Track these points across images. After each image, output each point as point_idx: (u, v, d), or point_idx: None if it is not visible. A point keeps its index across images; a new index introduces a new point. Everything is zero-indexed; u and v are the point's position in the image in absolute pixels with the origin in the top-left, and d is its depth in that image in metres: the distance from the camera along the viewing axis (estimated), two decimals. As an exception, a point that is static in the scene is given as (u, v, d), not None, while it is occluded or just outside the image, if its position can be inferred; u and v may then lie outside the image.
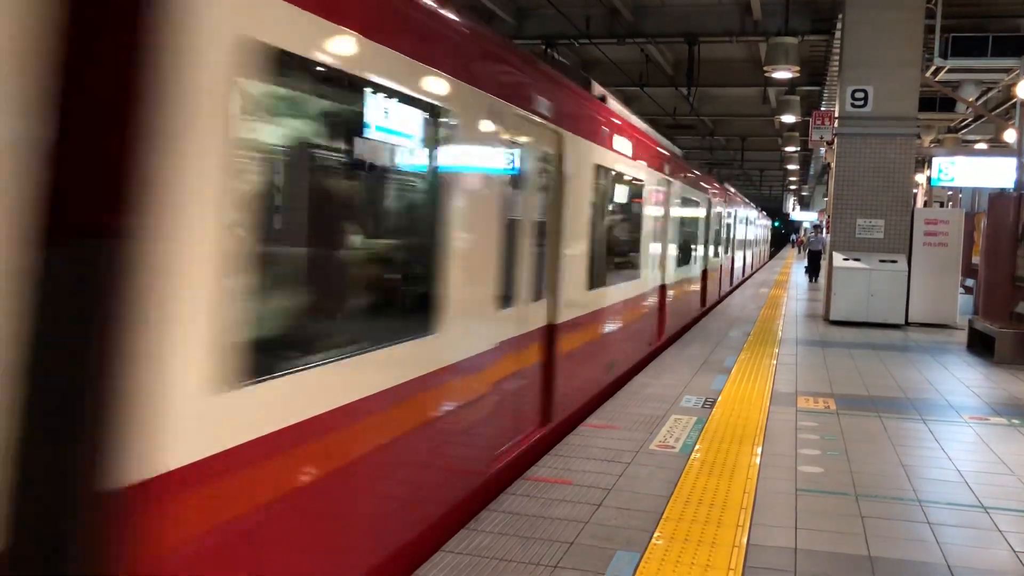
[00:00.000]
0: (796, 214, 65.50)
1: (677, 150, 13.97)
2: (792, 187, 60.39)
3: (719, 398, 7.78)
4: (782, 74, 16.59)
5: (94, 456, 2.21)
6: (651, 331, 10.78)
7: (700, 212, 15.22)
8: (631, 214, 9.54)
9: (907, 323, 14.67)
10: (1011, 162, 15.15)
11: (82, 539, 2.21)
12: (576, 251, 6.80)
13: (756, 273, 31.32)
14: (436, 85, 4.05)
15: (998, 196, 13.67)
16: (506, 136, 5.07)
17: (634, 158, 9.06)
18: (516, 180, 5.41)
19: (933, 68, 15.96)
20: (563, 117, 6.24)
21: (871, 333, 13.61)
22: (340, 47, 3.19)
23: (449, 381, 4.36)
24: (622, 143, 8.47)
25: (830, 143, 17.02)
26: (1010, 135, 17.54)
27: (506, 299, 5.20)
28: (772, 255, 54.92)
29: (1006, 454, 6.29)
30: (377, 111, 3.65)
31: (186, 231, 2.38)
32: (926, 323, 14.78)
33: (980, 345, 11.65)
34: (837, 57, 16.22)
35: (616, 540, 4.24)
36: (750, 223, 30.47)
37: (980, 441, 6.70)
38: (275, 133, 2.96)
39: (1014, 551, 4.35)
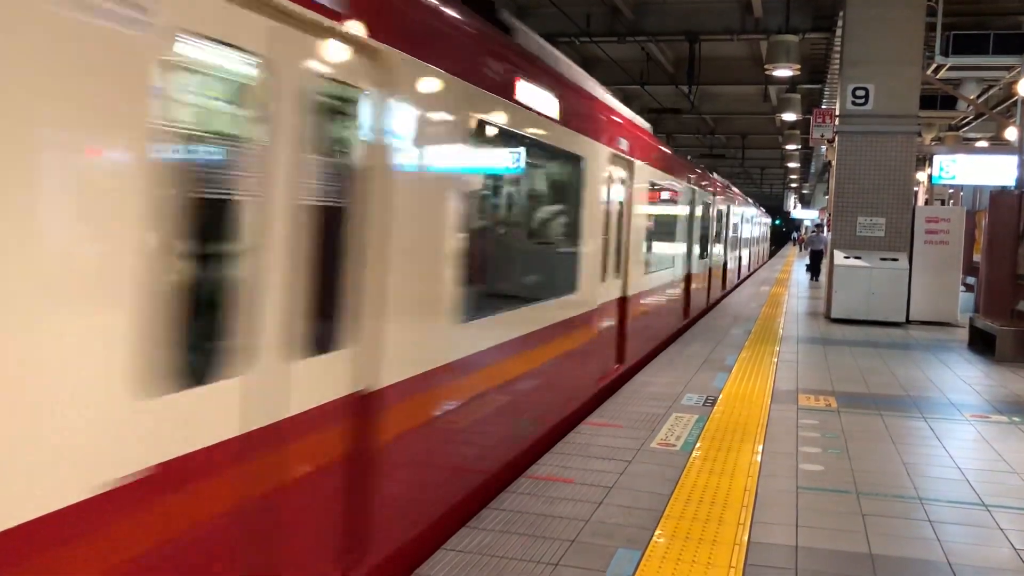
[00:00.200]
0: (797, 212, 65.53)
1: (643, 123, 10.16)
2: (793, 185, 60.45)
3: (720, 396, 7.78)
4: (783, 72, 16.62)
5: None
6: (608, 357, 8.31)
7: (678, 206, 12.25)
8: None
9: (908, 321, 14.67)
10: (1012, 160, 15.15)
11: None
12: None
13: (756, 273, 31.14)
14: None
15: (999, 194, 13.65)
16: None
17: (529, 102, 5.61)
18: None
19: (934, 66, 15.96)
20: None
21: (872, 331, 13.61)
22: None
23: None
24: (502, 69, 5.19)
25: (831, 141, 17.02)
26: (1011, 133, 17.52)
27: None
28: (773, 253, 54.62)
29: (1007, 452, 6.29)
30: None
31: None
32: (927, 321, 14.78)
33: (981, 343, 11.65)
34: (838, 55, 16.22)
35: (617, 538, 4.24)
36: (746, 220, 26.66)
37: (981, 439, 6.71)
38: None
39: (1015, 548, 4.36)
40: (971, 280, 16.97)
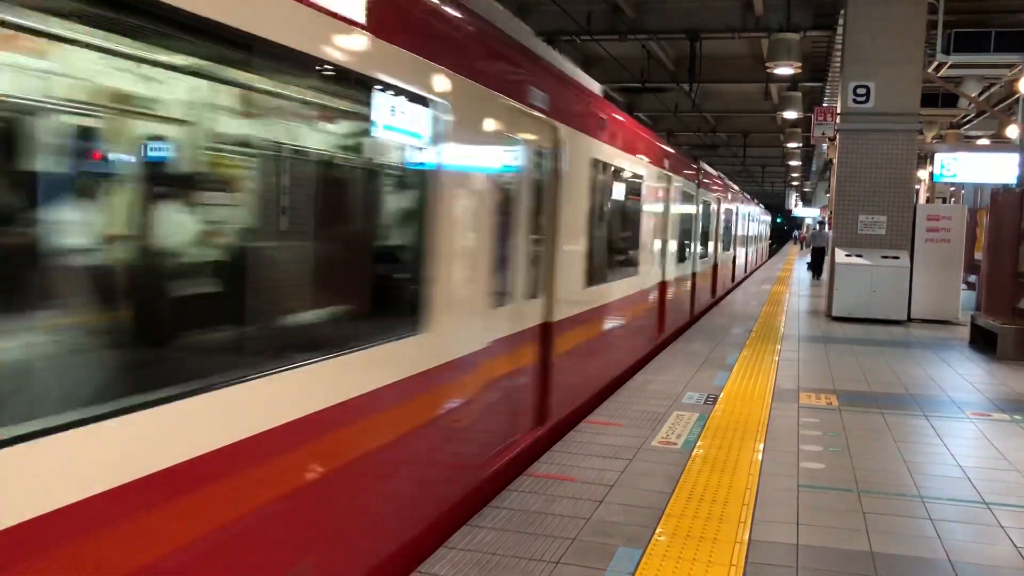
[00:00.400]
0: (798, 210, 65.48)
1: (593, 84, 8.17)
2: (794, 183, 60.39)
3: (721, 394, 7.78)
4: (784, 70, 16.59)
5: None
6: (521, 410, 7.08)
7: (646, 197, 9.94)
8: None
9: (909, 319, 14.66)
10: (1013, 158, 15.14)
11: None
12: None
13: (755, 273, 30.94)
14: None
15: (1000, 192, 13.64)
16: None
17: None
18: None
19: (935, 64, 15.92)
20: None
21: (873, 329, 13.60)
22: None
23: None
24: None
25: (832, 139, 17.01)
26: (1012, 131, 17.49)
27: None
28: (774, 252, 54.34)
29: (1008, 450, 6.29)
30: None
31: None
32: (928, 319, 14.77)
33: (982, 341, 11.64)
34: (839, 53, 16.20)
35: (618, 536, 4.24)
36: (743, 217, 24.54)
37: (982, 437, 6.71)
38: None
39: (1016, 546, 4.36)
40: (972, 278, 16.95)
